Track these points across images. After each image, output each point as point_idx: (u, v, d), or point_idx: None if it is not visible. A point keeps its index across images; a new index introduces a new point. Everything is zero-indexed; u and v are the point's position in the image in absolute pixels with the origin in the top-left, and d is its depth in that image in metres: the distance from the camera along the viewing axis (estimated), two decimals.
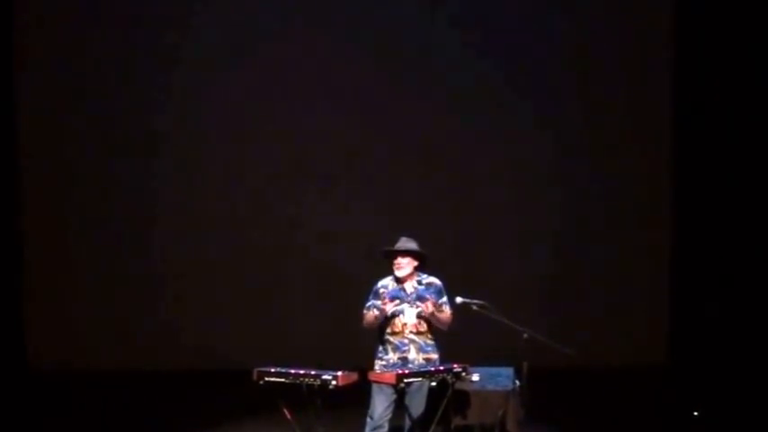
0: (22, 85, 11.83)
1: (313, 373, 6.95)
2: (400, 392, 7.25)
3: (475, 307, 7.34)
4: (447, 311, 7.44)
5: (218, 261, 11.84)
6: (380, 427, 7.27)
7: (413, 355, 7.34)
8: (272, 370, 7.06)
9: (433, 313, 7.30)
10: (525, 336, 7.27)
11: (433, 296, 7.42)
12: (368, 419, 7.32)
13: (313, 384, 6.91)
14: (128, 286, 11.81)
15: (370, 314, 7.37)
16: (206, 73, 11.83)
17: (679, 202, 11.77)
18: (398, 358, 7.34)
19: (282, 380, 7.01)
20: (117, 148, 11.87)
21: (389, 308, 7.28)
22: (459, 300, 7.33)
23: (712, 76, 11.41)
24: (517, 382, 7.66)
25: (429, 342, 7.40)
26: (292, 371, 7.01)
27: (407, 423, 7.37)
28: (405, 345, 7.36)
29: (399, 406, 7.35)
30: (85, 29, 11.81)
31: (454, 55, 11.83)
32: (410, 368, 7.20)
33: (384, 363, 7.38)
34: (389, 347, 7.38)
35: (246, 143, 11.89)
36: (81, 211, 11.88)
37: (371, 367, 7.39)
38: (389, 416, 7.31)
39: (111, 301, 11.79)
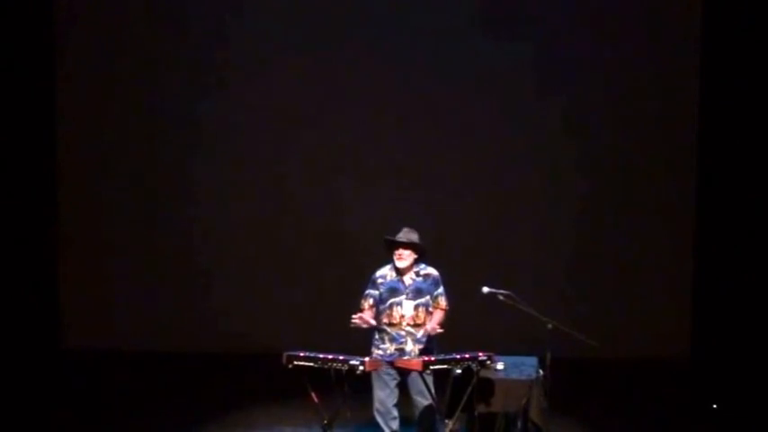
0: (58, 73, 11.94)
1: (341, 358, 7.00)
2: (401, 378, 7.36)
3: (501, 297, 7.42)
4: (442, 303, 7.53)
5: (248, 246, 11.95)
6: (388, 412, 7.36)
7: (409, 346, 7.41)
8: (301, 354, 7.11)
9: (433, 329, 7.39)
10: (549, 326, 7.35)
11: (430, 288, 7.49)
12: (374, 408, 7.41)
13: (341, 369, 6.96)
14: (160, 269, 11.93)
15: (367, 319, 7.45)
16: (244, 67, 11.93)
17: (703, 193, 11.73)
18: (395, 349, 7.42)
19: (311, 364, 7.05)
20: (153, 132, 11.98)
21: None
22: (485, 290, 7.41)
23: (740, 64, 11.32)
24: (540, 371, 7.74)
25: (426, 335, 7.46)
26: (321, 355, 7.07)
27: (416, 411, 7.47)
28: (401, 337, 7.43)
29: (405, 391, 7.45)
30: (125, 19, 11.96)
31: (477, 47, 11.84)
32: (407, 358, 7.29)
33: (381, 352, 7.46)
34: (386, 338, 7.46)
35: (277, 134, 11.96)
36: (116, 193, 11.99)
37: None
38: (395, 401, 7.39)
39: (143, 284, 11.91)
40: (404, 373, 7.34)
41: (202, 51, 11.93)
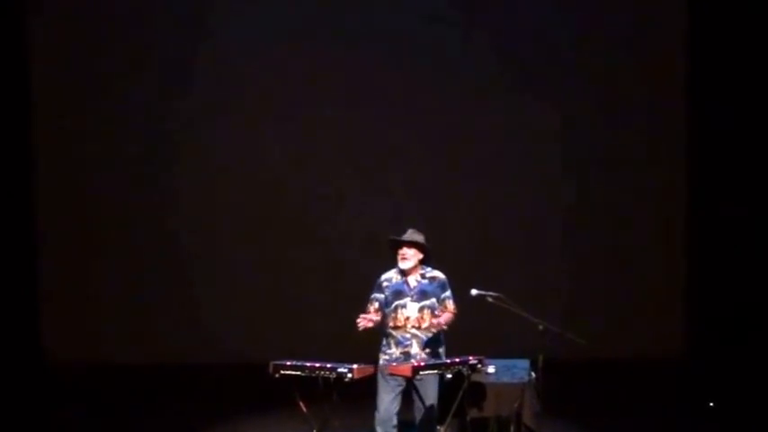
0: (36, 83, 11.84)
1: (329, 366, 6.96)
2: (407, 384, 7.26)
3: (490, 299, 7.33)
4: (450, 306, 7.45)
5: (234, 255, 11.86)
6: (389, 420, 7.28)
7: (415, 349, 7.33)
8: (288, 363, 7.08)
9: (438, 324, 7.33)
10: (540, 327, 7.27)
11: (437, 290, 7.42)
12: (375, 413, 7.33)
13: (329, 377, 6.92)
14: (144, 280, 11.84)
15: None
16: (227, 69, 11.83)
17: (695, 192, 11.71)
18: (401, 353, 7.34)
19: (298, 373, 7.03)
20: (134, 142, 11.88)
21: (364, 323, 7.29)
22: (474, 292, 7.33)
23: (728, 64, 11.30)
24: (533, 374, 7.66)
25: (432, 336, 7.39)
26: (308, 364, 7.03)
27: (417, 415, 7.37)
28: (407, 339, 7.35)
29: (408, 398, 7.35)
30: (100, 27, 11.87)
31: (465, 50, 11.81)
32: (419, 361, 7.19)
33: (387, 357, 7.38)
34: (392, 342, 7.38)
35: (264, 140, 11.88)
36: (97, 205, 11.90)
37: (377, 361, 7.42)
38: (397, 408, 7.31)
39: (127, 296, 11.81)
40: (413, 380, 7.22)
41: (184, 50, 11.82)
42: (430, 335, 7.37)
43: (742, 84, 11.19)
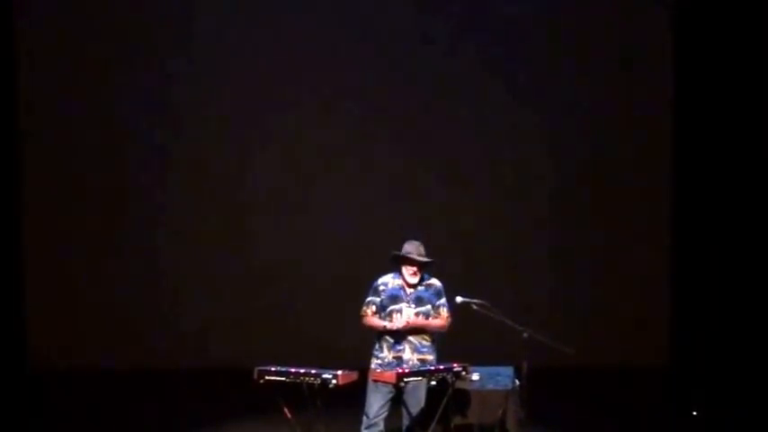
0: (23, 88, 11.83)
1: (313, 372, 6.95)
2: (397, 391, 7.26)
3: (475, 306, 7.34)
4: (444, 314, 7.44)
5: (219, 261, 11.87)
6: (375, 425, 7.28)
7: (407, 354, 7.33)
8: (273, 369, 7.06)
9: (426, 324, 7.31)
10: (525, 335, 7.27)
11: (432, 298, 7.43)
12: (363, 418, 7.32)
13: (313, 384, 6.91)
14: (128, 286, 11.82)
15: (370, 318, 7.38)
16: (216, 75, 11.89)
17: (679, 201, 11.76)
18: (393, 357, 7.34)
19: (283, 379, 7.01)
20: (119, 148, 11.88)
21: (389, 326, 7.29)
22: (459, 299, 7.34)
23: (714, 71, 11.39)
24: (517, 381, 7.67)
25: (425, 343, 7.38)
26: (292, 370, 7.02)
27: (406, 421, 7.38)
28: (400, 344, 7.35)
29: (397, 404, 7.35)
30: (88, 33, 11.86)
31: (454, 59, 11.87)
32: (404, 367, 7.20)
33: (380, 361, 7.38)
34: (385, 346, 7.38)
35: (248, 145, 11.93)
36: (81, 212, 11.89)
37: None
38: (385, 414, 7.31)
39: (111, 302, 11.80)
40: (398, 386, 7.22)
41: (172, 53, 11.87)
42: (423, 341, 7.38)
43: (728, 93, 11.28)
